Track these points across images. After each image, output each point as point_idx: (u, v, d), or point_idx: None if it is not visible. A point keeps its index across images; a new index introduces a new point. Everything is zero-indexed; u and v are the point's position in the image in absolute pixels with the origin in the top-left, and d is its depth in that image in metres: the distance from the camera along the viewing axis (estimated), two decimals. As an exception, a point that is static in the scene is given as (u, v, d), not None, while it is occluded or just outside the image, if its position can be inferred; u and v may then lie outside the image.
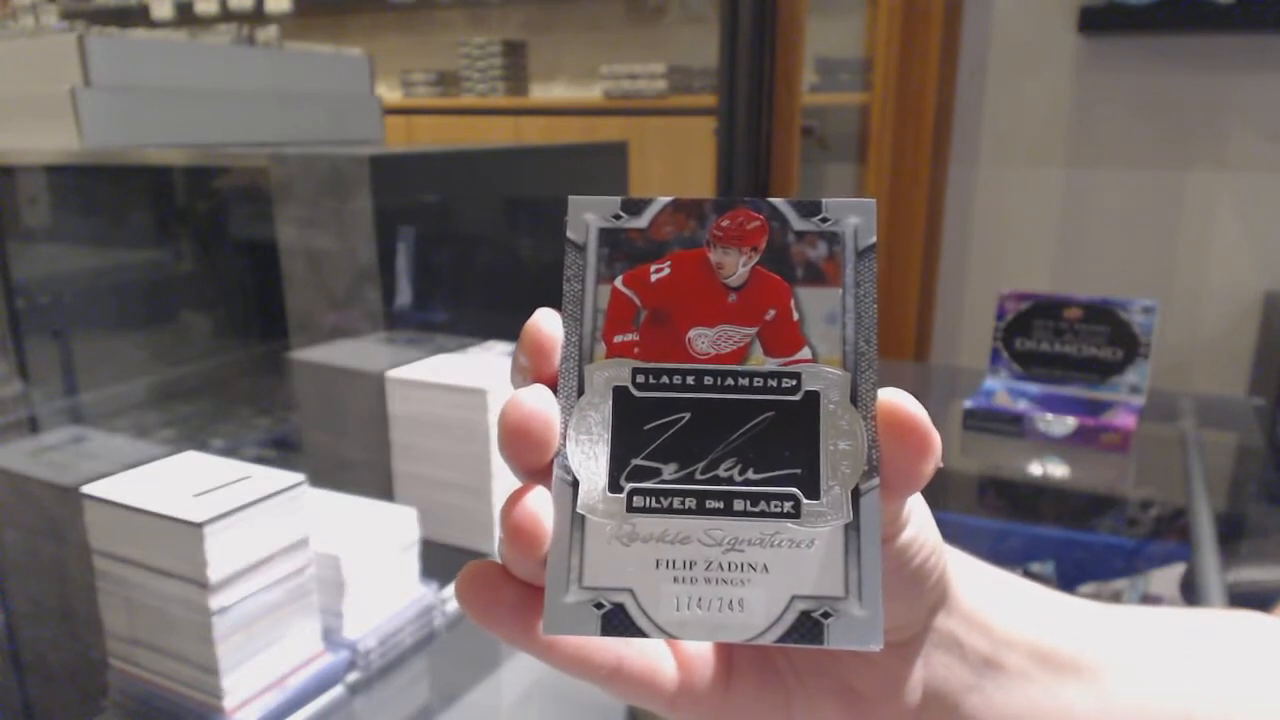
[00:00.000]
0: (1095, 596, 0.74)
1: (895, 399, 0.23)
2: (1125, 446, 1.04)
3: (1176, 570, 0.81)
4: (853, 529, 0.22)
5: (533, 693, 0.75)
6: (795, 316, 0.24)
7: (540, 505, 0.22)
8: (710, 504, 0.23)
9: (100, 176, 1.41)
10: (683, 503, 0.23)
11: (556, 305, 0.24)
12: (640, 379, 0.23)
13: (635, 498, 0.23)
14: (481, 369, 0.88)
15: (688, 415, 0.23)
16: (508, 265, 1.33)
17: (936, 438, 0.23)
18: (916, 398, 0.23)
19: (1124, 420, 1.05)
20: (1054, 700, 0.30)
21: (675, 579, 0.22)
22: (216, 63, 1.45)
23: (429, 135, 3.21)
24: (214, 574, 0.59)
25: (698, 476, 0.23)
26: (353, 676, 0.69)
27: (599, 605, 0.22)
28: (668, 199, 0.25)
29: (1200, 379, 1.97)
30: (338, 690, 0.67)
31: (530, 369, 0.24)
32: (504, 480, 0.85)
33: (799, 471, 0.23)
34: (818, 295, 0.24)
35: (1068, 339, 1.12)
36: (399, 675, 0.71)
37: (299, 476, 0.65)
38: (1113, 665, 0.31)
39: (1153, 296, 1.11)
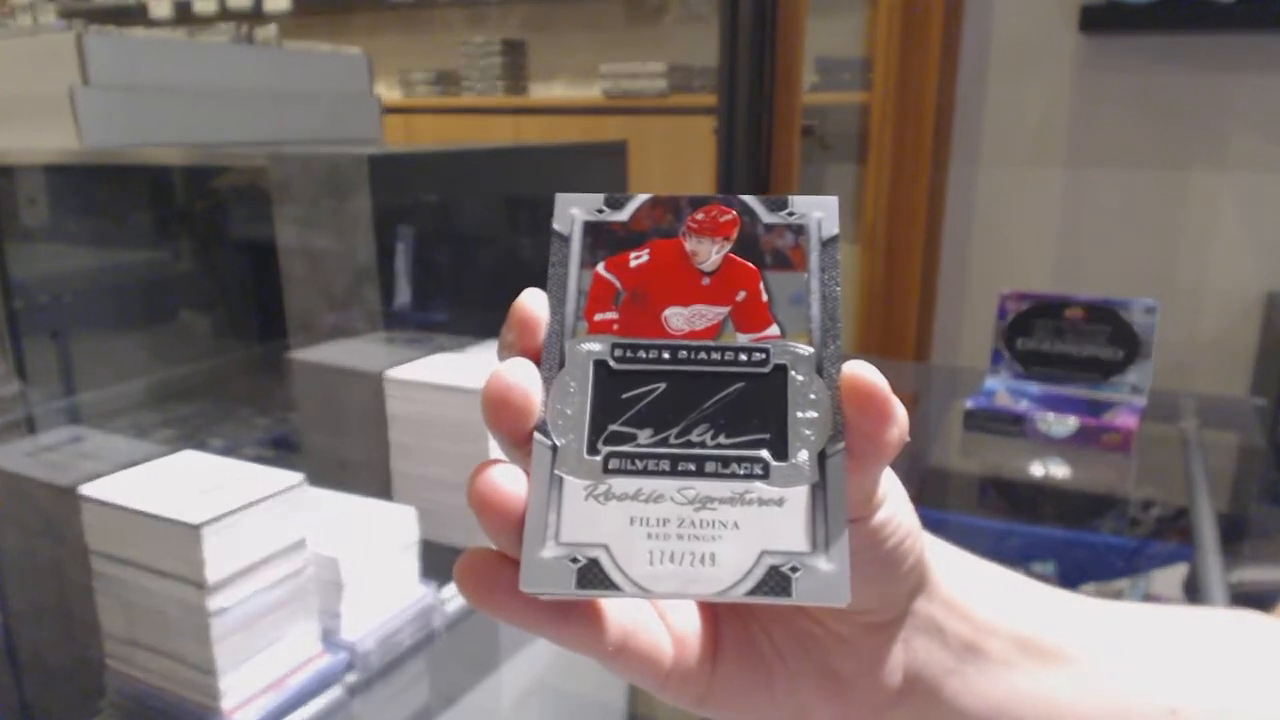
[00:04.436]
0: (1096, 597, 0.74)
1: (857, 369, 0.24)
2: (1127, 446, 1.03)
3: (1178, 570, 0.81)
4: (819, 489, 0.23)
5: (532, 693, 0.74)
6: (764, 297, 0.25)
7: (501, 475, 0.23)
8: (683, 466, 0.24)
9: (98, 176, 1.41)
10: (657, 465, 0.24)
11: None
12: (619, 352, 0.25)
13: (611, 460, 0.24)
14: (481, 369, 0.88)
15: (663, 386, 0.25)
16: (507, 264, 1.32)
17: (897, 404, 0.24)
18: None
19: (1125, 420, 1.05)
20: (1036, 687, 0.30)
21: (649, 535, 0.23)
22: (215, 62, 1.45)
23: (428, 134, 3.20)
24: (212, 575, 0.59)
25: (671, 441, 0.24)
26: (351, 677, 0.68)
27: (574, 560, 0.23)
28: (647, 196, 0.27)
29: (1202, 379, 1.97)
30: (336, 691, 0.67)
31: (516, 344, 0.25)
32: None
33: (768, 436, 0.24)
34: (785, 279, 0.26)
35: (1069, 339, 1.12)
36: (398, 676, 0.71)
37: (298, 476, 0.64)
38: (1098, 656, 0.31)
39: (1154, 296, 1.10)
